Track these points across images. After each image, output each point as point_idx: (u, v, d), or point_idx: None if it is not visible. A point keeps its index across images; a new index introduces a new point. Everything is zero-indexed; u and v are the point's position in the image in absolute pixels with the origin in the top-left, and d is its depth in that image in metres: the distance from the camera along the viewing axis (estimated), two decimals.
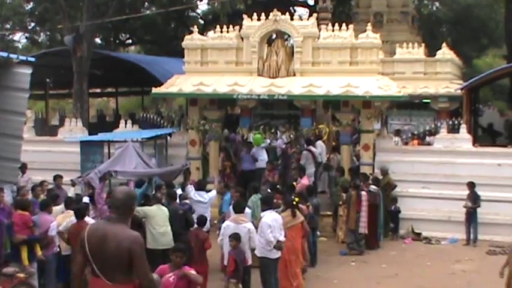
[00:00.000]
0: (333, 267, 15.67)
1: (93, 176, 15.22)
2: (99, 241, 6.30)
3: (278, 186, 17.28)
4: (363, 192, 17.53)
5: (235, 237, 12.22)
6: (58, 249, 13.28)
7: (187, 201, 15.14)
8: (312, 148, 20.74)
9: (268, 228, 12.64)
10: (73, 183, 16.67)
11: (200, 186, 16.11)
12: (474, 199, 18.28)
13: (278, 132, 21.66)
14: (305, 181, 17.94)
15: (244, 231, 12.61)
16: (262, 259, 12.87)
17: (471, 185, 18.30)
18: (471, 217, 18.33)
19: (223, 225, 12.93)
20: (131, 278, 6.34)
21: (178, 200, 14.81)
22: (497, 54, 44.79)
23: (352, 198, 17.35)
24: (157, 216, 13.69)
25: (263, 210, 13.24)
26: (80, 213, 12.79)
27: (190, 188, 15.83)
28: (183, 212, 14.22)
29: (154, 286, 6.70)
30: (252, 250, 12.89)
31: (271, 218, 12.85)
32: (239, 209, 13.19)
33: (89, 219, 12.87)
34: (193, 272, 9.46)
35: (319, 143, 21.24)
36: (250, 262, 12.74)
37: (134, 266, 6.28)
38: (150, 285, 6.46)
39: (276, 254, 12.78)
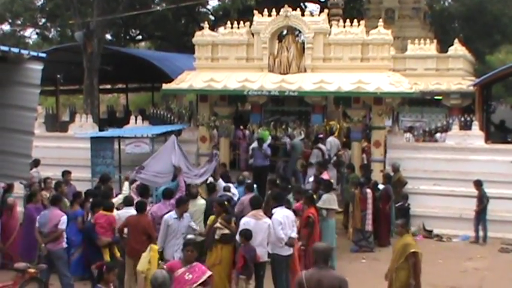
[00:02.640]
0: (344, 264, 15.67)
1: (143, 176, 15.69)
2: (317, 283, 8.12)
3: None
4: (368, 190, 17.52)
5: (245, 234, 12.24)
6: (66, 244, 13.40)
7: (228, 193, 15.74)
8: (321, 146, 20.74)
9: (279, 224, 12.68)
10: (130, 180, 16.68)
11: (227, 179, 16.98)
12: (480, 198, 18.21)
13: (289, 129, 21.63)
14: (325, 176, 17.92)
15: (265, 227, 12.65)
16: (273, 255, 12.91)
17: (478, 184, 18.24)
18: (479, 215, 18.28)
19: (243, 221, 12.78)
20: None
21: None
22: (510, 50, 44.61)
23: (356, 196, 17.35)
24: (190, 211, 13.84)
25: (274, 207, 13.27)
26: (140, 208, 13.12)
27: (221, 181, 16.60)
28: (227, 201, 14.56)
29: None
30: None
31: (282, 215, 12.89)
32: (257, 205, 13.12)
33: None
34: (203, 268, 9.50)
35: (331, 138, 21.21)
36: (265, 259, 12.76)
37: None
38: None
39: (288, 251, 12.81)
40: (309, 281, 8.22)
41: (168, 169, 15.83)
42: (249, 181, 16.92)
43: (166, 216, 12.87)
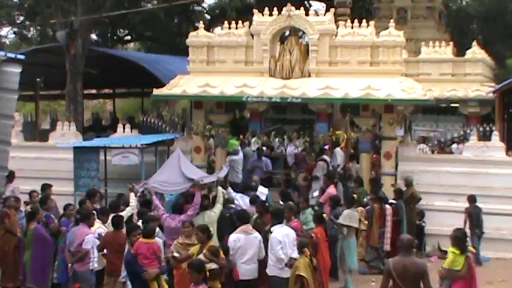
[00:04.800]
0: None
1: (153, 185, 15.60)
2: (403, 268, 9.99)
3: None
4: (387, 206, 17.52)
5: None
6: (95, 265, 13.43)
7: (232, 205, 15.90)
8: (325, 157, 20.74)
9: (278, 244, 12.67)
10: (135, 191, 16.66)
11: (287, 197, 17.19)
12: (470, 214, 18.25)
13: (285, 139, 21.57)
14: (332, 190, 17.91)
15: (256, 242, 12.74)
16: (273, 278, 12.89)
17: (471, 199, 18.33)
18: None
19: (233, 238, 12.88)
20: None
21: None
22: None
23: (375, 212, 17.35)
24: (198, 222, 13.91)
25: (273, 224, 13.26)
26: (116, 224, 13.15)
27: (231, 190, 16.74)
28: (230, 215, 14.88)
29: None
30: (260, 261, 12.99)
31: (282, 233, 12.86)
32: (245, 219, 13.26)
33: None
34: None
35: (337, 150, 21.20)
36: (254, 276, 12.85)
37: (424, 281, 10.01)
38: None
39: (288, 273, 12.77)
40: (396, 267, 10.08)
41: (175, 180, 15.75)
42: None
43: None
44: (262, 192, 17.29)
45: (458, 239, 11.67)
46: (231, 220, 14.49)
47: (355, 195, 17.17)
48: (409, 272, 9.99)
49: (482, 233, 18.40)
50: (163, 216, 14.42)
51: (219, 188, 15.60)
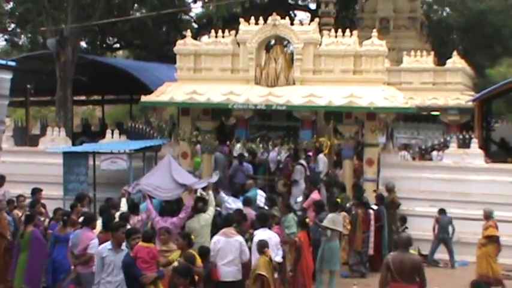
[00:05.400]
0: None
1: (147, 188, 15.37)
2: (400, 263, 10.99)
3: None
4: (371, 211, 17.58)
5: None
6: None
7: (218, 208, 15.94)
8: (302, 161, 20.80)
9: None
10: (126, 194, 16.63)
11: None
12: (438, 221, 18.71)
13: (270, 146, 21.52)
14: (316, 196, 17.94)
15: (236, 245, 12.71)
16: None
17: (441, 211, 18.74)
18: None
19: (214, 240, 12.97)
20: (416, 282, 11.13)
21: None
22: (511, 63, 44.92)
23: (359, 217, 17.39)
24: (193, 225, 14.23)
25: (256, 229, 13.30)
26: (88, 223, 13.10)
27: (223, 195, 16.85)
28: (214, 217, 14.88)
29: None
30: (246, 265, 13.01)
31: (264, 237, 12.89)
32: (228, 223, 13.29)
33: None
34: None
35: (320, 156, 21.24)
36: (237, 278, 12.78)
37: (419, 275, 11.08)
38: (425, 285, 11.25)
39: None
40: (394, 261, 11.08)
41: (167, 185, 15.69)
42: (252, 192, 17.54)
43: (100, 247, 12.14)
44: (261, 195, 17.50)
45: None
46: (214, 222, 14.57)
47: (338, 200, 17.21)
48: (405, 266, 11.02)
49: (450, 239, 18.74)
50: (155, 219, 14.38)
51: (210, 192, 15.63)
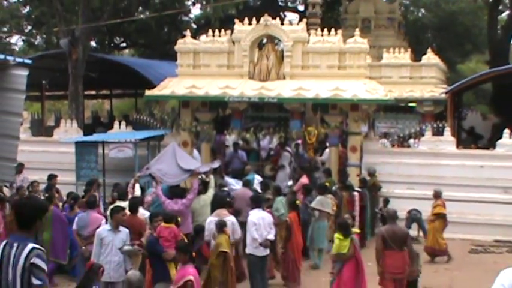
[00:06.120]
0: (321, 265, 15.76)
1: (156, 172, 15.47)
2: (393, 233, 11.89)
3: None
4: (355, 193, 17.61)
5: (195, 229, 12.89)
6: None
7: (225, 188, 16.55)
8: (288, 149, 20.93)
9: (253, 225, 12.80)
10: (137, 180, 16.54)
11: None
12: (410, 216, 18.66)
13: (261, 135, 21.48)
14: (304, 180, 17.96)
15: (228, 225, 12.73)
16: (249, 256, 13.06)
17: (410, 210, 18.70)
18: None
19: (208, 220, 13.06)
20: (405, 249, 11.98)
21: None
22: (481, 59, 44.93)
23: (344, 199, 17.41)
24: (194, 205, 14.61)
25: (252, 209, 13.33)
26: (134, 208, 13.04)
27: (227, 178, 17.63)
28: (226, 195, 15.31)
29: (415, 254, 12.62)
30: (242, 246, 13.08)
31: (258, 217, 12.97)
32: (220, 204, 13.40)
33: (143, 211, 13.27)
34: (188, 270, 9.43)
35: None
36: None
37: (408, 243, 12.10)
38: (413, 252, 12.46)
39: (263, 252, 12.93)
40: (388, 232, 11.98)
41: (174, 171, 15.70)
42: (250, 176, 17.78)
43: (99, 229, 12.08)
44: (258, 179, 17.81)
45: (340, 225, 12.02)
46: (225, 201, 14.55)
47: (327, 184, 17.22)
48: (397, 235, 11.97)
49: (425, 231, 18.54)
50: (166, 202, 14.36)
51: (211, 176, 15.72)
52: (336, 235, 11.86)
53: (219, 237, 12.27)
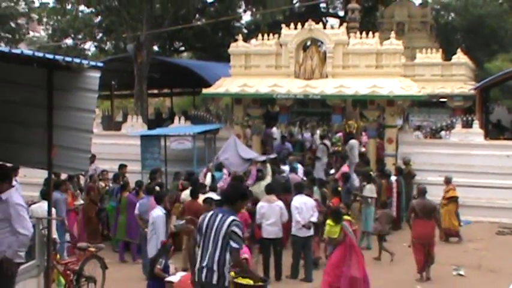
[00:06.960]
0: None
1: (225, 161, 16.41)
2: (423, 206, 12.80)
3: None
4: (393, 180, 17.51)
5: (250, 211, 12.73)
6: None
7: (284, 174, 16.69)
8: (326, 142, 20.79)
9: (295, 209, 12.80)
10: (210, 169, 17.08)
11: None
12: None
13: (303, 128, 21.48)
14: (345, 169, 17.87)
15: (277, 210, 12.73)
16: (292, 236, 13.10)
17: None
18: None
19: (258, 205, 12.96)
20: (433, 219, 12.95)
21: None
22: (506, 58, 43.87)
23: (383, 186, 17.29)
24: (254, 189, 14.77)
25: (295, 195, 13.31)
26: (194, 194, 13.44)
27: (283, 167, 17.67)
28: (285, 181, 15.38)
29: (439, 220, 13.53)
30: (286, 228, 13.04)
31: (300, 201, 12.94)
32: (270, 190, 13.21)
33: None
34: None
35: (353, 141, 20.85)
36: (279, 235, 12.82)
37: (436, 214, 12.95)
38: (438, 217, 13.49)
39: (306, 233, 12.86)
40: (418, 204, 12.90)
41: (237, 161, 16.13)
42: (294, 165, 17.71)
43: (153, 211, 12.42)
44: (300, 168, 17.66)
45: (333, 213, 11.75)
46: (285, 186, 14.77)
47: (372, 174, 17.09)
48: (426, 207, 12.84)
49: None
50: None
51: (268, 165, 16.08)
52: (328, 221, 11.71)
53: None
